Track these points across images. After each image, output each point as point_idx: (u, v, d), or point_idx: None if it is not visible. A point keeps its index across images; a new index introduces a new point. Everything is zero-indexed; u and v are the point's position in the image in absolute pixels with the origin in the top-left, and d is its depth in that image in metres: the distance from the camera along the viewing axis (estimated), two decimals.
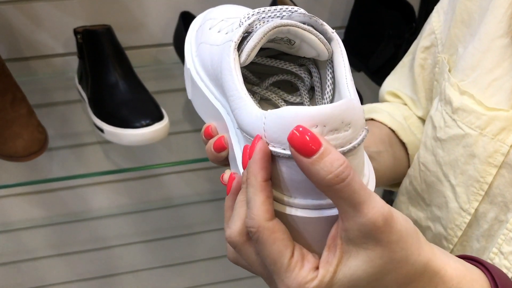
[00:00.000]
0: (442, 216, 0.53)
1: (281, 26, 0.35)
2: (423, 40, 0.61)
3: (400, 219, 0.31)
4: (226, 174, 0.40)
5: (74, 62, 0.93)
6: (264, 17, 0.37)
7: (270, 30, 0.35)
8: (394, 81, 0.68)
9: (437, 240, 0.55)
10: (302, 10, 0.36)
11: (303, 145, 0.29)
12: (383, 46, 0.89)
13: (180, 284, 1.37)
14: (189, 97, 0.47)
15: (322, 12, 0.99)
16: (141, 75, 0.85)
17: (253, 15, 0.37)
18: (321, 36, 0.36)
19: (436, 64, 0.59)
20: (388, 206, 0.30)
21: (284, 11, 0.37)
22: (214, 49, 0.41)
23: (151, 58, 0.97)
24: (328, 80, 0.38)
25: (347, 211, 0.30)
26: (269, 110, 0.32)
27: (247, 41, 0.36)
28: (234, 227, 0.34)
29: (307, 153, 0.29)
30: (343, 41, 0.99)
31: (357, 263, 0.31)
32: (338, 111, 0.30)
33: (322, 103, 0.39)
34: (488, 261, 0.47)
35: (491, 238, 0.48)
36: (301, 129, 0.29)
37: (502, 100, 0.46)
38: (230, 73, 0.36)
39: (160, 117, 0.76)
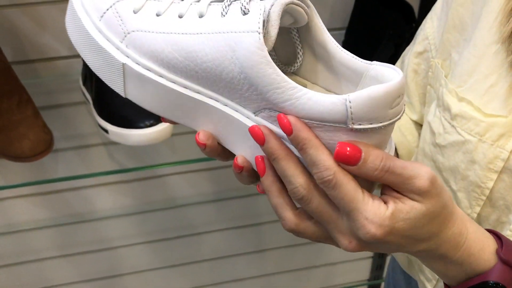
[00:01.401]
0: None
1: (290, 4, 0.36)
2: (416, 45, 0.62)
3: (438, 177, 0.37)
4: (239, 159, 0.41)
5: (78, 64, 0.94)
6: None
7: (280, 12, 0.36)
8: None
9: None
10: None
11: (349, 157, 0.35)
12: (383, 46, 0.90)
13: (184, 284, 1.38)
14: (127, 94, 0.42)
15: (322, 13, 1.00)
16: None
17: None
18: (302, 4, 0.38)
19: (429, 68, 0.59)
20: (428, 169, 0.36)
21: None
22: (190, 39, 0.38)
23: None
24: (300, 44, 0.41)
25: (399, 187, 0.36)
26: (351, 94, 0.34)
27: (266, 28, 0.36)
28: (301, 187, 0.37)
29: (354, 162, 0.35)
30: (344, 41, 1.00)
31: (418, 210, 0.36)
32: (404, 81, 0.35)
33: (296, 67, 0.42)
34: None
35: None
36: (346, 147, 0.35)
37: (499, 106, 0.47)
38: (267, 67, 0.35)
39: None
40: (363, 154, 0.35)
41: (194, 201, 1.22)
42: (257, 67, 0.35)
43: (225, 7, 0.37)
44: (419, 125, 0.66)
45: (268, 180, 0.39)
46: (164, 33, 0.39)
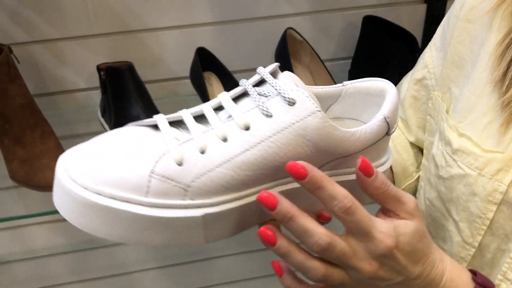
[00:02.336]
0: (447, 249, 0.55)
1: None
2: (416, 73, 0.64)
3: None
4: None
5: (96, 96, 0.98)
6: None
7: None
8: None
9: None
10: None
11: (367, 171, 0.41)
12: (388, 75, 0.93)
13: None
14: (208, 239, 0.41)
15: (329, 44, 1.03)
16: (159, 107, 0.89)
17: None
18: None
19: (429, 99, 0.62)
20: (413, 197, 0.44)
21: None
22: (254, 151, 0.39)
23: (169, 90, 1.02)
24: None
25: (395, 203, 0.43)
26: (384, 111, 0.44)
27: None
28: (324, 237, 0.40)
29: (370, 175, 0.41)
30: (350, 71, 1.04)
31: (410, 225, 0.42)
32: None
33: None
34: None
35: (495, 266, 0.51)
36: (363, 159, 0.41)
37: (496, 142, 0.48)
38: (336, 131, 0.41)
39: None
40: (375, 171, 0.41)
41: None
42: (328, 137, 0.40)
43: (264, 109, 0.39)
44: (414, 145, 0.68)
45: (283, 243, 0.41)
46: (225, 162, 0.38)
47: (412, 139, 0.67)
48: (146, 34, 0.96)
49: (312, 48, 0.95)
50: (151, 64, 0.99)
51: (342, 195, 0.39)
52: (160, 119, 0.41)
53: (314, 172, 0.39)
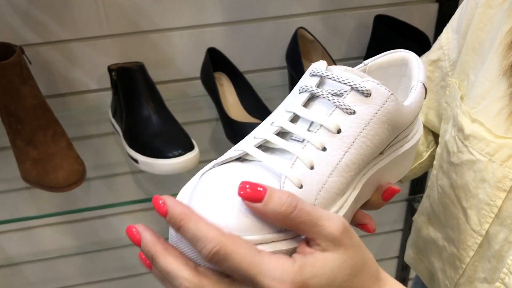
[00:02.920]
0: (455, 237, 0.55)
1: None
2: (431, 54, 0.65)
3: (353, 231, 0.36)
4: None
5: (106, 97, 0.98)
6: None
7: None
8: None
9: (451, 260, 0.57)
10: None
11: (252, 195, 0.33)
12: None
13: None
14: None
15: (340, 44, 1.03)
16: (170, 107, 0.89)
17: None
18: None
19: (447, 86, 0.62)
20: (342, 217, 0.35)
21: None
22: (353, 151, 0.39)
23: (180, 91, 1.02)
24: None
25: (309, 230, 0.34)
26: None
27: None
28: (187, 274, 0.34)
29: (258, 199, 0.33)
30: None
31: (331, 261, 0.34)
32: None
33: None
34: (499, 281, 0.49)
35: (502, 258, 0.50)
36: (245, 185, 0.34)
37: (508, 128, 0.48)
38: (404, 108, 0.42)
39: (191, 147, 0.80)
40: (268, 190, 0.33)
41: None
42: (400, 116, 0.41)
43: (346, 107, 0.39)
44: (424, 125, 0.68)
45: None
46: (334, 170, 0.38)
47: (422, 120, 0.66)
48: (157, 35, 0.96)
49: (324, 48, 0.95)
50: (162, 65, 0.99)
51: (207, 238, 0.32)
52: (249, 148, 0.39)
53: (174, 209, 0.33)
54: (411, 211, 1.31)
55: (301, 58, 0.92)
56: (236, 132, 0.86)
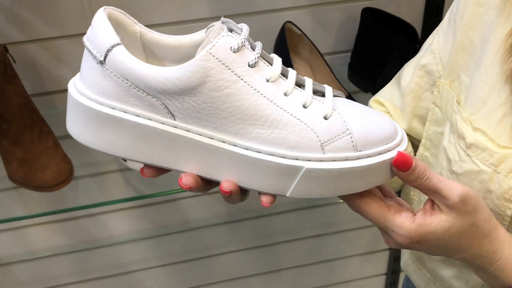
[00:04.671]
0: None
1: None
2: (421, 58, 0.62)
3: (474, 198, 0.43)
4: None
5: None
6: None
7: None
8: (385, 91, 0.69)
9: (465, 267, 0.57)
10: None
11: (403, 167, 0.42)
12: (389, 67, 0.92)
13: None
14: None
15: (328, 37, 1.03)
16: None
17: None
18: None
19: (435, 87, 0.59)
20: (465, 187, 0.42)
21: None
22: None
23: None
24: None
25: (433, 195, 0.43)
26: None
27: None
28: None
29: (405, 170, 0.42)
30: (350, 64, 1.03)
31: (444, 222, 0.43)
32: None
33: None
34: None
35: None
36: (400, 157, 0.42)
37: (511, 137, 0.47)
38: None
39: None
40: (413, 164, 0.42)
41: (208, 223, 1.24)
42: None
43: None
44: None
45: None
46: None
47: (404, 126, 0.65)
48: None
49: (311, 42, 0.95)
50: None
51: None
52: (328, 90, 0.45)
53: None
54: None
55: (289, 53, 0.92)
56: None
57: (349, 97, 0.95)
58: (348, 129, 0.42)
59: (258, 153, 0.41)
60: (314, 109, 0.42)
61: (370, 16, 0.96)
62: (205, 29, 0.45)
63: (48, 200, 1.06)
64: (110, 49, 0.40)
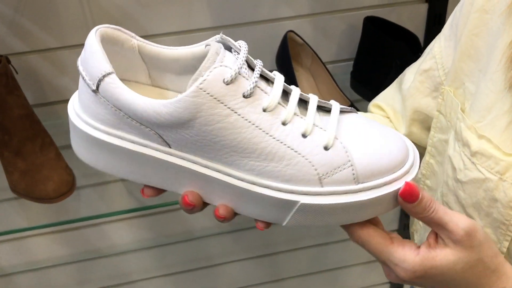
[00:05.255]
0: None
1: None
2: (423, 63, 0.61)
3: (480, 232, 0.41)
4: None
5: None
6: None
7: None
8: (386, 94, 0.69)
9: None
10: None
11: (409, 199, 0.40)
12: (392, 76, 0.92)
13: None
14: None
15: (330, 46, 1.02)
16: None
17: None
18: None
19: (439, 94, 0.59)
20: (471, 221, 0.41)
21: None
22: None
23: None
24: None
25: (439, 229, 0.42)
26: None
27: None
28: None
29: (412, 202, 0.40)
30: (352, 72, 1.03)
31: (450, 256, 0.41)
32: None
33: None
34: None
35: None
36: (407, 188, 0.40)
37: None
38: None
39: None
40: (420, 196, 0.40)
41: (211, 233, 1.23)
42: None
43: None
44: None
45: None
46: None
47: (403, 132, 0.64)
48: None
49: (313, 51, 0.95)
50: None
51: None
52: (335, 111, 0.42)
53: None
54: (405, 212, 1.30)
55: (291, 62, 0.92)
56: None
57: (351, 106, 0.94)
58: (349, 161, 0.39)
59: (253, 185, 0.40)
60: (314, 139, 0.40)
61: (372, 25, 0.96)
62: (205, 43, 0.43)
63: (50, 210, 1.06)
64: (102, 79, 0.39)
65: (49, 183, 0.78)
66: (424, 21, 1.03)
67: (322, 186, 0.40)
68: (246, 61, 0.40)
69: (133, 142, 0.40)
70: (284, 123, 0.39)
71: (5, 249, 1.15)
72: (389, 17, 0.98)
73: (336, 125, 0.41)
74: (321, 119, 0.42)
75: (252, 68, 0.41)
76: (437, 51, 0.59)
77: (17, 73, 0.81)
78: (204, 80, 0.37)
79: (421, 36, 1.02)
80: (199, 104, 0.37)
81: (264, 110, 0.39)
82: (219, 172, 0.40)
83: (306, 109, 0.41)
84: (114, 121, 0.40)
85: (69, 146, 1.05)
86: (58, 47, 0.93)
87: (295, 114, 0.40)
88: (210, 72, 0.38)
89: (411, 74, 0.65)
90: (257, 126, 0.39)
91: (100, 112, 0.40)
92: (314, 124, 0.40)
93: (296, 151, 0.39)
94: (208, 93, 0.37)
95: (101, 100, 0.40)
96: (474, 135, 0.50)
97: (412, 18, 1.02)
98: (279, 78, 0.41)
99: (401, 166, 0.41)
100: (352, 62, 1.02)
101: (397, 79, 0.69)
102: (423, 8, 1.01)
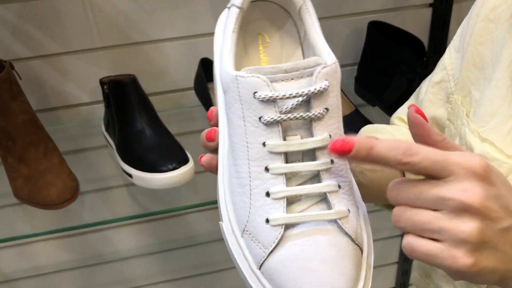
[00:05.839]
0: None
1: None
2: (434, 75, 0.62)
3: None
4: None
5: (99, 110, 0.97)
6: None
7: None
8: (406, 107, 0.69)
9: (465, 284, 0.56)
10: None
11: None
12: (396, 81, 0.91)
13: None
14: None
15: (334, 50, 1.00)
16: (164, 118, 0.88)
17: None
18: None
19: (449, 103, 0.60)
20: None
21: None
22: None
23: (173, 102, 1.01)
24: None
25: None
26: None
27: None
28: None
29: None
30: (357, 77, 1.02)
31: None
32: None
33: None
34: None
35: None
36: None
37: None
38: None
39: (185, 161, 0.79)
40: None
41: (214, 238, 1.23)
42: None
43: (319, 115, 0.37)
44: None
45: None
46: (347, 172, 0.39)
47: None
48: (149, 46, 0.95)
49: None
50: (154, 76, 0.98)
51: (396, 144, 0.34)
52: (286, 218, 0.37)
53: (360, 138, 0.35)
54: None
55: None
56: None
57: (356, 111, 0.94)
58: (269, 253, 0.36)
59: None
60: (269, 203, 0.37)
61: (377, 30, 0.96)
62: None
63: (53, 216, 1.05)
64: None
65: (52, 188, 0.78)
66: (429, 26, 1.02)
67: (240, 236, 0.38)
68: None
69: None
70: (266, 169, 0.37)
71: (9, 254, 1.14)
72: (393, 21, 0.97)
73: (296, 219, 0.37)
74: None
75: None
76: (448, 62, 0.60)
77: (20, 78, 0.81)
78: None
79: (425, 41, 1.02)
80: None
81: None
82: None
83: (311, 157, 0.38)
84: None
85: (72, 151, 1.05)
86: (62, 52, 0.93)
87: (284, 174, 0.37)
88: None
89: (425, 86, 0.65)
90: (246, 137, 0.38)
91: None
92: (285, 197, 0.37)
93: (249, 189, 0.38)
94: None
95: None
96: (478, 139, 0.50)
97: (416, 23, 1.01)
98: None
99: None
100: (356, 67, 1.02)
101: (415, 91, 0.69)
102: (428, 12, 1.01)
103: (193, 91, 0.97)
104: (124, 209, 1.11)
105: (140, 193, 1.11)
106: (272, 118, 0.36)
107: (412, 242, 0.35)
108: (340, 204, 0.37)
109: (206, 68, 0.92)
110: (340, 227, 0.36)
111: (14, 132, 0.78)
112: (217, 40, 0.46)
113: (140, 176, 0.79)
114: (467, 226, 0.33)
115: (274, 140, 0.37)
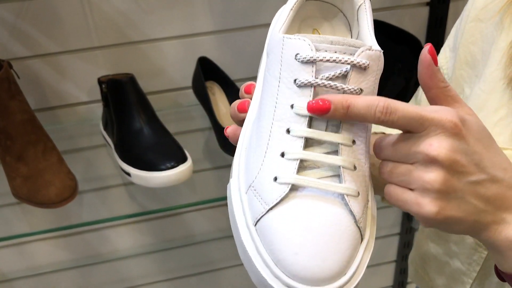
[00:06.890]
0: (459, 251, 0.54)
1: None
2: None
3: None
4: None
5: (97, 109, 0.97)
6: None
7: None
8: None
9: (456, 275, 0.56)
10: None
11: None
12: (393, 79, 0.92)
13: None
14: None
15: None
16: (162, 117, 0.89)
17: None
18: None
19: None
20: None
21: None
22: None
23: (172, 101, 1.01)
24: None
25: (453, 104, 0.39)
26: None
27: None
28: None
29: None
30: None
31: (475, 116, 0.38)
32: None
33: None
34: None
35: None
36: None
37: (508, 139, 0.48)
38: None
39: (184, 159, 0.79)
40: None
41: (212, 237, 1.23)
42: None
43: (354, 90, 0.38)
44: None
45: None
46: (366, 158, 0.39)
47: None
48: (147, 45, 0.95)
49: None
50: (152, 75, 0.98)
51: (374, 100, 0.35)
52: (294, 179, 0.37)
53: (336, 97, 0.36)
54: (407, 214, 1.30)
55: None
56: (229, 141, 0.85)
57: None
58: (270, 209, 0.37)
59: None
60: (283, 163, 0.37)
61: (374, 28, 0.96)
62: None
63: (52, 215, 1.05)
64: None
65: (51, 188, 0.78)
66: (426, 24, 1.03)
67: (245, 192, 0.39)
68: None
69: None
70: (288, 131, 0.38)
71: (7, 254, 1.14)
72: (390, 20, 0.98)
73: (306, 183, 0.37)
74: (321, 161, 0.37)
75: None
76: (443, 62, 0.62)
77: (19, 78, 0.81)
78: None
79: (422, 39, 1.02)
80: None
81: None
82: None
83: (336, 127, 0.38)
84: None
85: (70, 150, 1.05)
86: (60, 51, 0.93)
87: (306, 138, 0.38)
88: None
89: None
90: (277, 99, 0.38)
91: None
92: (302, 160, 0.37)
93: (266, 149, 0.38)
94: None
95: None
96: None
97: (413, 22, 1.02)
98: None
99: (333, 281, 0.35)
100: None
101: (416, 93, 0.70)
102: (425, 11, 1.01)
103: (191, 90, 0.97)
104: (123, 208, 1.11)
105: (138, 192, 1.11)
106: (307, 80, 0.37)
107: (390, 190, 0.38)
108: (351, 183, 0.37)
109: (204, 67, 0.92)
110: (346, 204, 0.37)
111: (12, 132, 0.78)
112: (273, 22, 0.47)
113: (139, 175, 0.80)
114: (431, 176, 0.35)
115: (303, 102, 0.37)
